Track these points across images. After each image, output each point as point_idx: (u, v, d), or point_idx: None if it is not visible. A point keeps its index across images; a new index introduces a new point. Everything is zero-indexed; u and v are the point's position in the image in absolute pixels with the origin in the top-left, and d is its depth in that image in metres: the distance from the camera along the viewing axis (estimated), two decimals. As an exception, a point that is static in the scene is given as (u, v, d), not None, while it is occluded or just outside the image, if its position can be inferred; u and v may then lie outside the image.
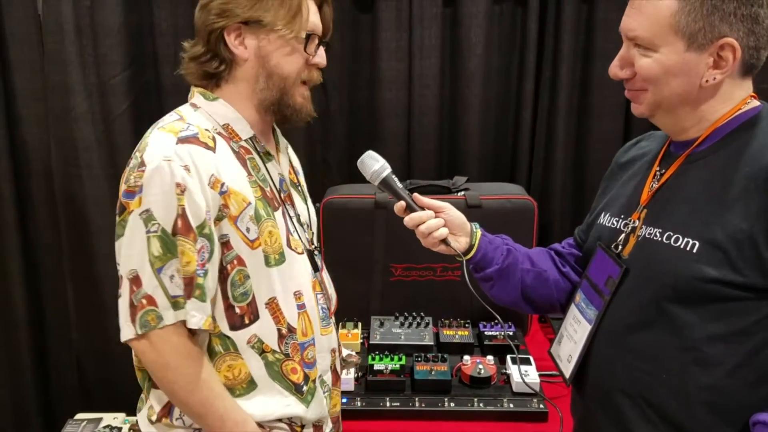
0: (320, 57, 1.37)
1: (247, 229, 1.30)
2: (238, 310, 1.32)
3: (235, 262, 1.30)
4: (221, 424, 1.30)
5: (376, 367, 1.95)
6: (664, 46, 1.15)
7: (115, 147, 2.36)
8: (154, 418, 1.37)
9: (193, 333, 1.30)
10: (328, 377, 1.48)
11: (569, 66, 2.48)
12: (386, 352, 2.02)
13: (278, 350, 1.35)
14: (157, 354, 1.26)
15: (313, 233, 1.52)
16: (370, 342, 2.10)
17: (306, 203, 1.52)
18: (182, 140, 1.26)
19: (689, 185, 1.21)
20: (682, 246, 1.15)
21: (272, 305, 1.35)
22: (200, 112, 1.36)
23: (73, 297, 2.46)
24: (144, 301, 1.24)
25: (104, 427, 2.14)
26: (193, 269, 1.24)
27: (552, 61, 2.50)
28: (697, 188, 1.19)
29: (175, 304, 1.24)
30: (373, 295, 2.30)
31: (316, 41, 1.36)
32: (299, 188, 1.52)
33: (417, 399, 1.87)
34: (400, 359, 1.99)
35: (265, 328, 1.34)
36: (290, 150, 1.61)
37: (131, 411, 2.16)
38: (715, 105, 1.20)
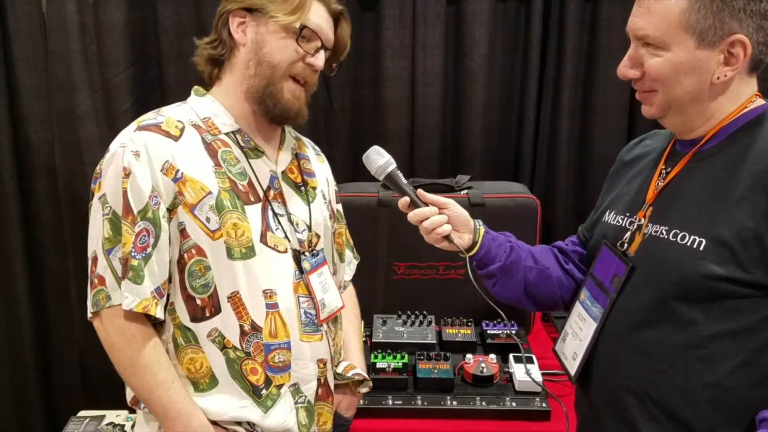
0: (317, 59, 1.39)
1: (207, 219, 1.31)
2: (199, 302, 1.33)
3: (193, 251, 1.32)
4: (163, 413, 1.32)
5: (379, 365, 1.95)
6: (675, 45, 1.15)
7: (119, 145, 2.36)
8: (129, 401, 1.43)
9: (154, 320, 1.33)
10: (309, 388, 1.44)
11: (573, 65, 2.48)
12: (389, 351, 2.02)
13: (239, 347, 1.35)
14: (105, 333, 1.32)
15: (318, 236, 1.50)
16: (373, 340, 2.10)
17: (309, 205, 1.50)
18: (141, 128, 1.33)
19: (695, 183, 1.21)
20: (688, 244, 1.15)
21: (234, 299, 1.34)
22: (184, 106, 1.43)
23: (77, 295, 2.46)
24: (96, 281, 1.31)
25: (107, 425, 2.14)
26: (128, 251, 1.28)
27: (556, 59, 2.50)
28: (704, 186, 1.19)
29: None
30: (376, 293, 2.30)
31: (318, 43, 1.38)
32: (302, 189, 1.50)
33: (419, 397, 1.87)
34: (402, 357, 1.99)
35: (226, 323, 1.34)
36: (311, 154, 1.61)
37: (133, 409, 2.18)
38: (724, 103, 1.20)
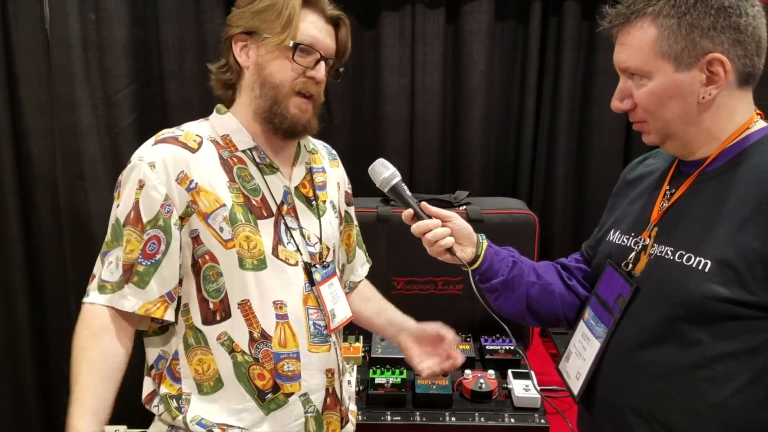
0: (317, 71, 1.40)
1: (221, 229, 1.37)
2: (211, 305, 1.38)
3: (207, 257, 1.37)
4: (70, 409, 1.29)
5: (378, 380, 1.95)
6: (655, 72, 1.18)
7: (120, 160, 2.36)
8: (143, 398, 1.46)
9: (161, 322, 1.38)
10: (317, 398, 1.46)
11: (570, 82, 2.50)
12: (387, 366, 2.02)
13: (248, 353, 1.39)
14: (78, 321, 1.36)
15: (329, 249, 1.52)
16: (372, 356, 2.11)
17: (320, 218, 1.52)
18: (159, 141, 1.39)
19: (700, 204, 1.21)
20: (694, 265, 1.15)
21: (245, 307, 1.38)
22: (205, 123, 1.47)
23: (77, 309, 2.45)
24: (90, 277, 1.38)
25: (106, 439, 2.13)
26: (134, 257, 1.34)
27: (553, 77, 2.52)
28: (709, 208, 1.19)
29: (102, 288, 1.35)
30: (375, 308, 2.30)
31: (317, 55, 1.39)
32: (313, 203, 1.52)
33: (418, 413, 1.88)
34: (401, 373, 1.99)
35: (236, 328, 1.38)
36: (326, 165, 1.62)
37: (132, 423, 2.17)
38: (719, 121, 1.21)
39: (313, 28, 1.39)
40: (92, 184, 2.37)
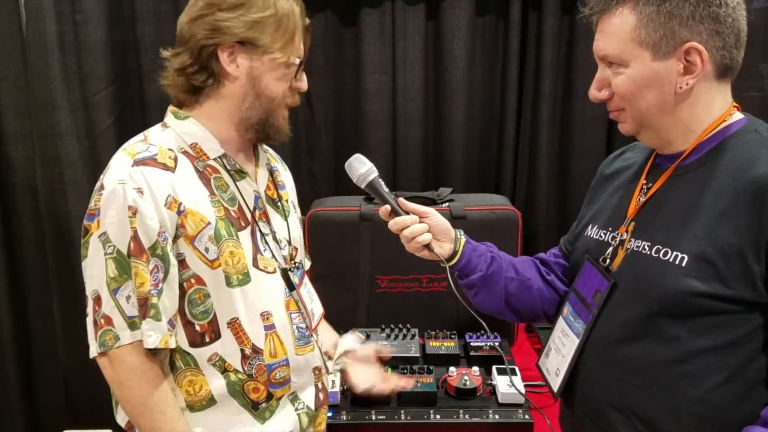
0: (302, 82, 1.40)
1: (206, 249, 1.32)
2: (198, 328, 1.34)
3: (193, 280, 1.32)
4: None
5: (363, 379, 1.95)
6: (632, 60, 1.18)
7: (99, 163, 2.35)
8: (123, 425, 1.44)
9: (153, 353, 1.31)
10: (307, 395, 1.48)
11: (551, 78, 2.50)
12: (372, 365, 2.02)
13: (241, 370, 1.37)
14: (114, 372, 1.30)
15: (296, 249, 1.52)
16: (357, 354, 2.10)
17: (287, 219, 1.51)
18: (138, 162, 1.28)
19: (677, 199, 1.22)
20: (671, 260, 1.16)
21: (234, 325, 1.36)
22: (168, 131, 1.38)
23: (60, 313, 2.45)
24: (103, 321, 1.28)
25: (90, 444, 2.13)
26: (147, 290, 1.27)
27: (534, 73, 2.52)
28: (686, 202, 1.19)
29: (132, 324, 1.27)
30: (360, 307, 2.30)
31: (299, 65, 1.39)
32: (279, 204, 1.51)
33: (403, 411, 1.87)
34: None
35: (227, 348, 1.36)
36: (279, 165, 1.61)
37: (117, 427, 2.16)
38: (696, 113, 1.21)
39: (301, 41, 1.37)
40: (72, 187, 2.35)
